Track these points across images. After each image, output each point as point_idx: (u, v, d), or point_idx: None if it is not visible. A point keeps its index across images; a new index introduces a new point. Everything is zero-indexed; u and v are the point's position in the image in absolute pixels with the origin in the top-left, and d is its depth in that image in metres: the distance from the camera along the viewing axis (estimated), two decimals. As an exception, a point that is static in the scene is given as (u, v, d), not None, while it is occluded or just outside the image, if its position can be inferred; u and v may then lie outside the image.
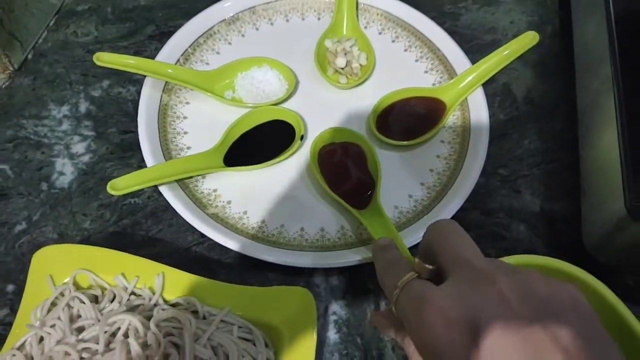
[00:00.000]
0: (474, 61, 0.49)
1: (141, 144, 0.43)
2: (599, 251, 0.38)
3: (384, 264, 0.28)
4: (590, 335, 0.22)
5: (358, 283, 0.40)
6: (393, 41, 0.52)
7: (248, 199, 0.43)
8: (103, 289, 0.35)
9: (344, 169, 0.43)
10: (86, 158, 0.45)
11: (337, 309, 0.39)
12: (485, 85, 0.48)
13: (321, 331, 0.38)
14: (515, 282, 0.23)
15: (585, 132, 0.43)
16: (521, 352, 0.21)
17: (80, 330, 0.32)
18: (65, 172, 0.44)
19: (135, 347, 0.29)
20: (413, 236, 0.40)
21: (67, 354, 0.29)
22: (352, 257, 0.39)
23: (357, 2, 0.52)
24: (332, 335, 0.38)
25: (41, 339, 0.32)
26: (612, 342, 0.22)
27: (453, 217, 0.41)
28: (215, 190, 0.43)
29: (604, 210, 0.36)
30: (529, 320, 0.21)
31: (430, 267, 0.26)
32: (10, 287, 0.39)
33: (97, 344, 0.30)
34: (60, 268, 0.35)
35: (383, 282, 0.28)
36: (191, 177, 0.43)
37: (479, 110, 0.46)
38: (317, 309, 0.37)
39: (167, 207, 0.42)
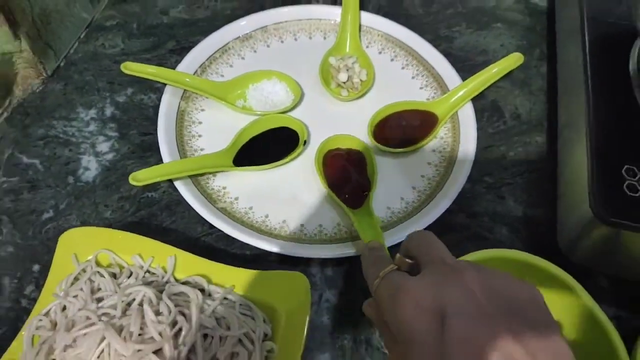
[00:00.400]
0: (465, 79, 0.53)
1: (160, 145, 0.48)
2: (570, 251, 0.41)
3: (370, 260, 0.32)
4: (542, 332, 0.24)
5: (350, 275, 0.44)
6: (392, 60, 0.57)
7: (254, 196, 0.47)
8: (121, 267, 0.39)
9: (345, 172, 0.47)
10: (110, 156, 0.50)
11: (330, 297, 0.43)
12: (475, 101, 0.52)
13: (315, 316, 0.42)
14: (481, 278, 0.26)
15: (562, 146, 0.47)
16: (482, 343, 0.23)
17: (100, 300, 0.36)
18: (90, 167, 0.49)
19: (149, 313, 0.33)
20: (402, 234, 0.43)
21: (87, 318, 0.33)
22: (345, 250, 0.43)
23: (359, 24, 0.57)
24: (325, 320, 0.42)
25: (64, 308, 0.36)
26: (563, 342, 0.24)
27: (440, 219, 0.45)
28: (224, 188, 0.47)
29: (575, 214, 0.40)
30: (490, 314, 0.24)
31: (410, 261, 0.30)
32: (36, 267, 0.43)
33: (115, 310, 0.34)
34: (84, 248, 0.39)
35: (367, 275, 0.31)
36: (203, 175, 0.47)
37: (468, 123, 0.50)
38: (312, 295, 0.41)
39: (181, 201, 0.46)
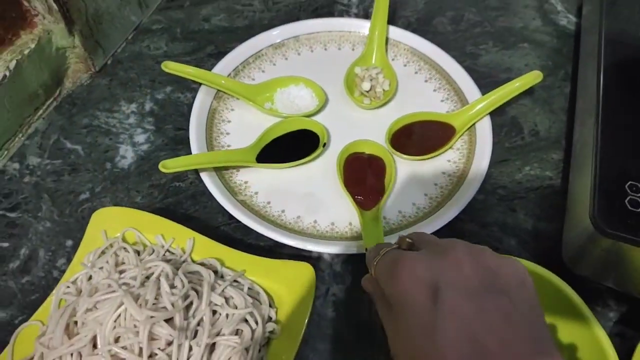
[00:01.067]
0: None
1: (190, 139, 0.52)
2: (574, 264, 0.42)
3: (373, 248, 0.35)
4: (526, 309, 0.27)
5: (357, 273, 0.46)
6: (416, 72, 0.59)
7: (272, 192, 0.50)
8: (145, 245, 0.42)
9: (362, 174, 0.50)
10: (145, 147, 0.54)
11: (336, 291, 0.45)
12: (496, 116, 0.54)
13: (320, 308, 0.44)
14: (471, 255, 0.29)
15: (574, 162, 0.48)
16: (469, 315, 0.26)
17: (122, 272, 0.39)
18: (126, 156, 0.53)
19: (164, 285, 0.36)
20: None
21: (109, 286, 0.37)
22: (354, 248, 0.45)
23: (387, 38, 0.60)
24: (330, 312, 0.44)
25: (90, 277, 0.40)
26: (544, 322, 0.27)
27: (451, 226, 0.46)
28: (246, 182, 0.50)
29: (578, 227, 0.41)
30: (478, 289, 0.27)
31: (409, 240, 0.33)
32: (69, 242, 0.47)
33: (135, 281, 0.37)
34: (113, 225, 0.43)
35: (368, 259, 0.34)
36: (227, 169, 0.50)
37: (485, 137, 0.52)
38: (318, 289, 0.44)
39: (205, 192, 0.49)
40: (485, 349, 0.25)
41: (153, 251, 0.41)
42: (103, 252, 0.41)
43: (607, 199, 0.37)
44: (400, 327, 0.28)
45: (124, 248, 0.40)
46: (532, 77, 0.51)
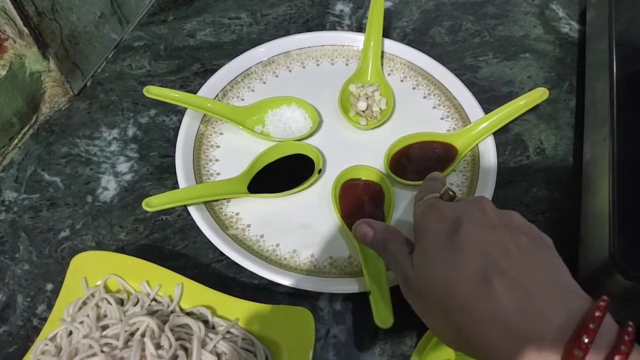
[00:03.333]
0: (488, 110, 0.52)
1: (177, 169, 0.48)
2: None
3: (424, 186, 0.39)
4: (546, 253, 0.29)
5: (359, 311, 0.43)
6: (414, 88, 0.56)
7: (266, 224, 0.47)
8: (129, 293, 0.39)
9: (360, 203, 0.47)
10: (128, 177, 0.51)
11: (337, 332, 0.42)
12: (498, 134, 0.51)
13: (320, 352, 0.41)
14: (494, 206, 0.32)
15: (585, 185, 0.45)
16: (484, 240, 0.29)
17: (105, 328, 0.36)
18: (109, 187, 0.50)
19: (149, 346, 0.33)
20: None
21: (90, 347, 0.34)
22: (355, 286, 0.42)
23: (382, 52, 0.57)
24: (331, 357, 0.41)
25: (70, 333, 0.37)
26: (554, 251, 0.30)
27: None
28: (237, 214, 0.47)
29: (595, 260, 0.38)
30: (496, 225, 0.30)
31: (452, 193, 0.36)
32: (49, 286, 0.44)
33: (118, 340, 0.34)
34: (94, 271, 0.40)
35: (416, 196, 0.38)
36: (217, 200, 0.47)
37: (489, 158, 0.49)
38: (318, 330, 0.41)
39: (194, 225, 0.46)
40: (496, 264, 0.27)
41: (138, 300, 0.38)
42: (84, 303, 0.38)
43: (628, 233, 0.35)
44: (421, 257, 0.31)
45: (106, 299, 0.37)
46: (538, 95, 0.49)
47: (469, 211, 0.31)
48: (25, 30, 0.48)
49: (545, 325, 0.25)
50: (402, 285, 0.33)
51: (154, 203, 0.42)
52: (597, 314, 0.24)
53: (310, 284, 0.42)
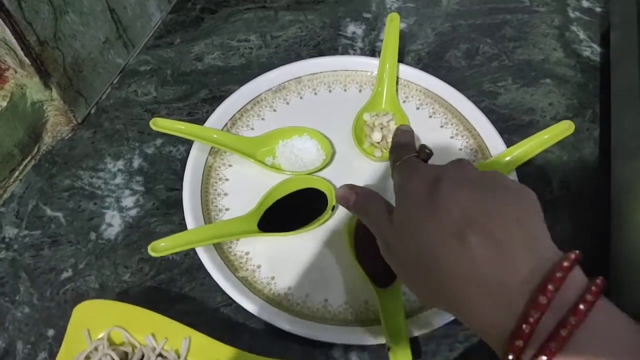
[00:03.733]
0: (509, 140, 0.50)
1: (184, 204, 0.46)
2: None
3: (396, 143, 0.39)
4: (524, 206, 0.29)
5: (376, 361, 0.41)
6: (430, 117, 0.54)
7: (277, 265, 0.44)
8: (134, 347, 0.37)
9: (376, 244, 0.44)
10: (134, 212, 0.49)
11: (353, 385, 0.40)
12: (520, 166, 0.49)
13: (336, 406, 0.39)
14: (474, 166, 0.32)
15: (616, 227, 0.43)
16: (463, 198, 0.28)
17: (109, 386, 0.34)
18: (113, 224, 0.48)
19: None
20: (433, 321, 0.40)
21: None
22: (373, 337, 0.40)
23: (397, 79, 0.54)
24: (347, 411, 0.39)
25: (73, 390, 0.35)
26: (543, 227, 0.29)
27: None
28: (247, 254, 0.45)
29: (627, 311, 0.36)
30: (474, 182, 0.29)
31: (428, 151, 0.37)
32: (50, 332, 0.42)
33: (122, 403, 0.32)
34: (98, 321, 0.38)
35: (391, 156, 0.38)
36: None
37: (511, 194, 0.47)
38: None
39: (202, 265, 0.44)
40: (472, 220, 0.27)
41: (143, 355, 0.36)
42: (87, 357, 0.36)
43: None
44: (401, 217, 0.32)
45: (110, 355, 0.35)
46: (563, 129, 0.46)
47: (448, 170, 0.31)
48: (27, 60, 0.46)
49: (513, 274, 0.25)
50: (382, 247, 0.34)
51: (161, 248, 0.40)
52: (565, 264, 0.25)
53: (324, 334, 0.40)
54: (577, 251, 0.26)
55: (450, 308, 0.29)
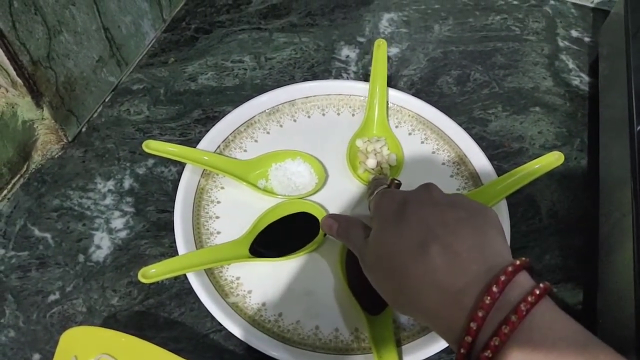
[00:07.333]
0: (499, 168, 0.50)
1: (175, 228, 0.46)
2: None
3: (372, 181, 0.46)
4: (483, 224, 0.32)
5: (367, 390, 0.41)
6: (422, 142, 0.54)
7: (268, 291, 0.44)
8: (122, 375, 0.37)
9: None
10: (123, 234, 0.48)
11: (343, 414, 0.40)
12: (509, 194, 0.49)
13: None
14: (443, 193, 0.36)
15: (603, 254, 0.43)
16: (427, 215, 0.32)
17: (96, 417, 0.33)
18: (102, 246, 0.47)
19: None
20: (424, 350, 0.40)
21: None
22: (363, 364, 0.40)
23: (387, 105, 0.55)
24: None
25: (58, 420, 0.34)
26: (503, 241, 0.32)
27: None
28: (238, 279, 0.45)
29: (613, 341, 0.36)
30: (441, 203, 0.33)
31: (397, 182, 0.42)
32: (36, 356, 0.41)
33: None
34: (85, 349, 0.37)
35: (368, 191, 0.44)
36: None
37: (502, 223, 0.47)
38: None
39: (191, 290, 0.43)
40: (434, 233, 0.30)
41: (132, 384, 0.35)
42: (73, 385, 0.36)
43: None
44: (374, 235, 0.35)
45: (98, 384, 0.35)
46: (553, 159, 0.47)
47: (416, 193, 0.35)
48: (19, 80, 0.45)
49: (465, 279, 0.28)
50: (362, 264, 0.36)
51: (151, 274, 0.40)
52: (509, 269, 0.27)
53: (315, 362, 0.40)
54: (524, 258, 0.29)
55: (410, 309, 0.32)
